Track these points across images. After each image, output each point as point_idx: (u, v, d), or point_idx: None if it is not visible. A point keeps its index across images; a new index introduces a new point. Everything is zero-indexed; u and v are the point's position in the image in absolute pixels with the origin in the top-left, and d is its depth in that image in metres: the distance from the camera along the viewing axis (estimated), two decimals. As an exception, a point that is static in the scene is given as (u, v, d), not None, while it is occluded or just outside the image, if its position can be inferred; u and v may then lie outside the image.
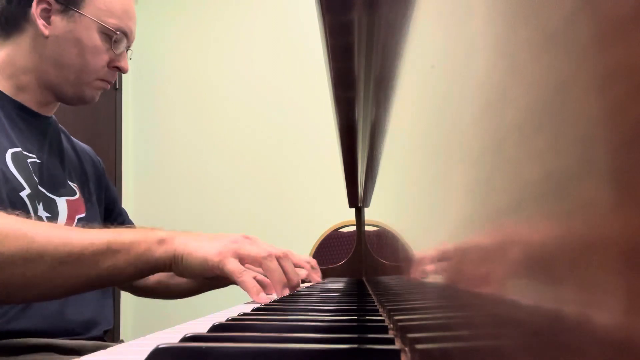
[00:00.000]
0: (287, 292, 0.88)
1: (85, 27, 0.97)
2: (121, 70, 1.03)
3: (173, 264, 0.79)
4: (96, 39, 0.97)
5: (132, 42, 1.05)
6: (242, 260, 0.82)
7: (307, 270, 1.25)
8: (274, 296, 0.88)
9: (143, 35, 3.09)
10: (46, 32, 0.95)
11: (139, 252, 0.77)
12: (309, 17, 2.59)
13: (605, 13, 0.09)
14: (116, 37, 0.99)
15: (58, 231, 0.74)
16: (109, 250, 0.74)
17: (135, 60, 3.47)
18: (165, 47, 3.08)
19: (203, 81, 2.99)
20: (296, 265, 1.28)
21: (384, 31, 0.50)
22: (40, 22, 0.95)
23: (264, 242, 0.89)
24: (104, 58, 0.99)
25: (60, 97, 1.01)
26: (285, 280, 0.86)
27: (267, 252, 0.85)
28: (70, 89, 0.99)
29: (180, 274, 0.81)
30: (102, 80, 1.01)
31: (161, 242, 0.79)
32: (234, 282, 0.82)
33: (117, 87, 3.03)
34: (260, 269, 0.87)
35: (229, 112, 2.94)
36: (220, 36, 2.98)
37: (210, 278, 0.85)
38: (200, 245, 0.80)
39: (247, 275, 0.80)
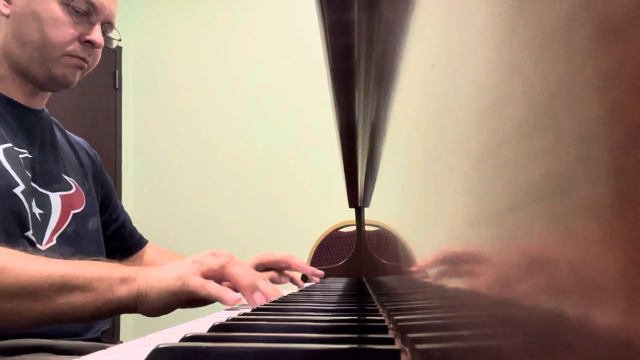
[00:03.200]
0: (261, 299, 0.77)
1: None
2: (94, 45, 0.95)
3: (138, 304, 0.73)
4: (55, 11, 0.93)
5: (107, 17, 0.98)
6: (204, 275, 0.76)
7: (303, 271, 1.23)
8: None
9: (143, 34, 3.09)
10: (6, 11, 0.93)
11: (99, 290, 0.71)
12: (308, 17, 2.59)
13: (605, 13, 0.09)
14: (74, 5, 0.93)
15: (18, 260, 0.69)
16: (66, 286, 0.69)
17: (135, 60, 3.46)
18: (165, 47, 3.08)
19: (203, 81, 2.99)
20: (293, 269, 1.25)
21: (384, 31, 0.50)
22: (1, 2, 0.93)
23: (231, 253, 0.81)
24: (69, 31, 0.93)
25: (33, 80, 0.96)
26: (253, 282, 0.78)
27: (226, 260, 0.78)
28: (39, 69, 0.94)
29: (149, 313, 0.74)
30: (72, 56, 0.94)
31: (124, 280, 0.73)
32: (205, 300, 0.75)
33: (117, 87, 3.04)
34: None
35: (229, 112, 2.94)
36: (220, 36, 2.98)
37: (186, 304, 0.77)
38: (161, 276, 0.74)
39: (210, 284, 0.73)
